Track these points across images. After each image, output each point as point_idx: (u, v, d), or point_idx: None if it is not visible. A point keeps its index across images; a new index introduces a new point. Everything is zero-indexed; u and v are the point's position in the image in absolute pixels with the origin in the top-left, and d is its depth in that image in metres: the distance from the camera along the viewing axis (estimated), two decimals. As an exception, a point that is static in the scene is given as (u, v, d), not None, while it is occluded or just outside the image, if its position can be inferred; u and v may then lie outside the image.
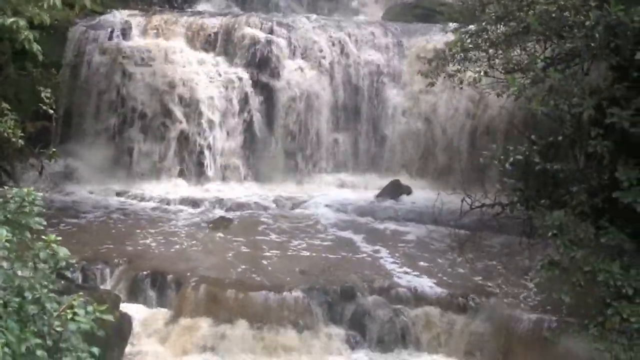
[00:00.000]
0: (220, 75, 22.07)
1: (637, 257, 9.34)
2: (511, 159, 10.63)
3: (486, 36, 13.61)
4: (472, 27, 14.76)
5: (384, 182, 21.72)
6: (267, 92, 22.25)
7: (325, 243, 17.63)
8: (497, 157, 10.79)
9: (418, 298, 14.80)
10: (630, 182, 9.11)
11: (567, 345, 10.76)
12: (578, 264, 9.49)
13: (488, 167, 15.20)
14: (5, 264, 6.26)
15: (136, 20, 22.26)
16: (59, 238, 6.45)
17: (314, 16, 24.10)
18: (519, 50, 13.02)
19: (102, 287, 14.74)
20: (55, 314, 6.12)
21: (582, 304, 9.99)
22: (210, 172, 21.84)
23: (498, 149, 10.89)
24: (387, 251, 17.09)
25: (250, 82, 22.10)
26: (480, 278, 15.41)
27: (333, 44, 22.64)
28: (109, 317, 6.28)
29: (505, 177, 11.95)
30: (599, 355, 9.67)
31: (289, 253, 16.66)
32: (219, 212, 19.67)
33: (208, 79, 21.94)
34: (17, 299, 6.04)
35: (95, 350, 6.22)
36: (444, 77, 15.75)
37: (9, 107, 15.28)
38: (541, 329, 13.41)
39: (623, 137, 9.67)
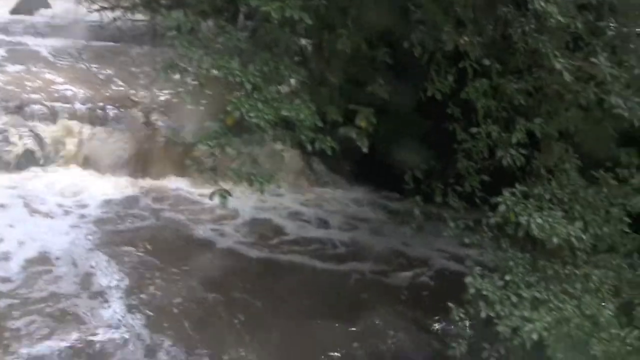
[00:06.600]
0: None
1: (252, 55, 9.41)
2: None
3: None
4: None
5: (20, -5, 20.45)
6: None
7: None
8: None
9: (55, 113, 14.10)
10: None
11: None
12: (198, 65, 9.40)
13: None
14: None
15: None
16: None
17: None
18: None
19: None
20: None
21: (208, 104, 10.02)
22: None
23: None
24: (22, 68, 15.98)
25: None
26: (118, 89, 15.06)
27: None
28: None
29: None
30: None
31: None
32: None
33: None
34: None
35: None
36: None
37: None
38: (175, 133, 13.52)
39: None
